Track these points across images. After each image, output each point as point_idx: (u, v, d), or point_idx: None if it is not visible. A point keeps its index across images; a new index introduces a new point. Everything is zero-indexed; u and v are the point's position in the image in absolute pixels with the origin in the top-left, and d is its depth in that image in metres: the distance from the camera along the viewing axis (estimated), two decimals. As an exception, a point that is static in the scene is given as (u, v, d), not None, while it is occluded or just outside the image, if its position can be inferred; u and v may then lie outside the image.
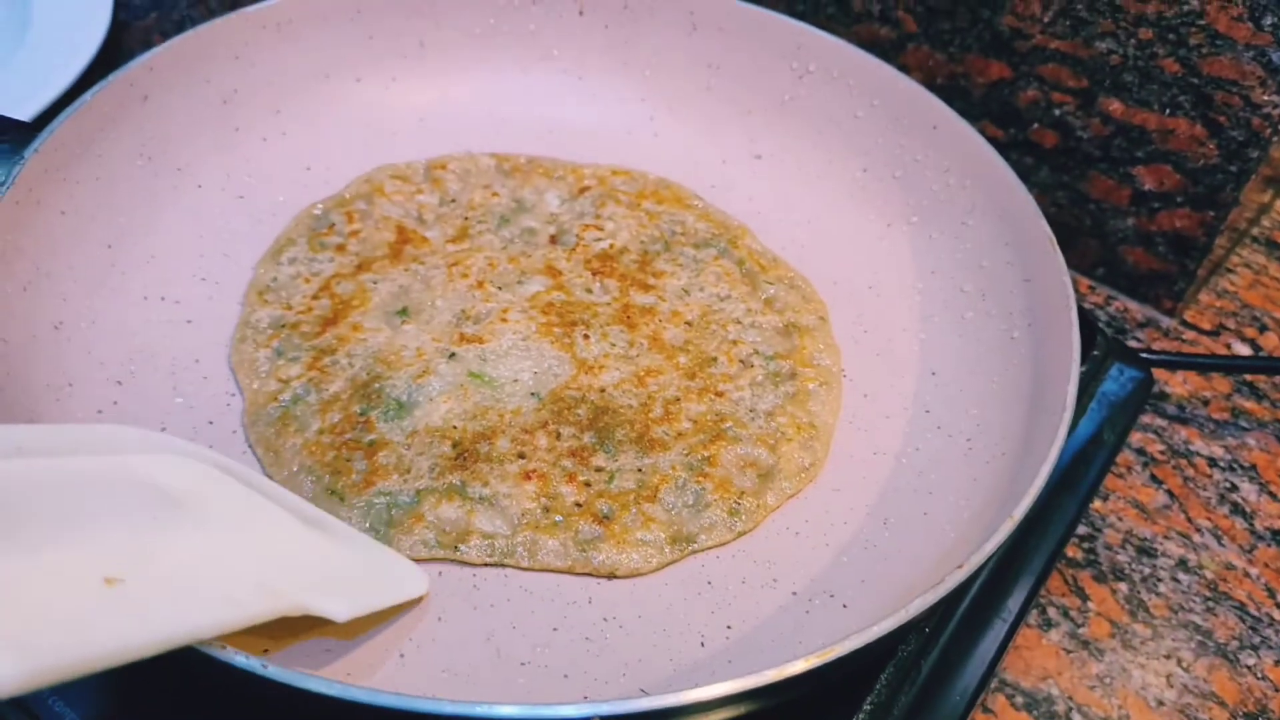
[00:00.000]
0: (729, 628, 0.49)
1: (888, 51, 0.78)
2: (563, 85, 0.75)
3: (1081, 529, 0.62)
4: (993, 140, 0.73)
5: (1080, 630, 0.58)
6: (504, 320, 0.60)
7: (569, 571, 0.52)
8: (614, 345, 0.60)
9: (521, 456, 0.55)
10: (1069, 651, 0.57)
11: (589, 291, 0.63)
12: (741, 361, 0.61)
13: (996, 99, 0.75)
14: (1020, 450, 0.53)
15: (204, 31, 0.66)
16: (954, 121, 0.66)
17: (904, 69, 0.77)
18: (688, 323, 0.62)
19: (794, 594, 0.51)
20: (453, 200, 0.68)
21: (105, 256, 0.60)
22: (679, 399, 0.58)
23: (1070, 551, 0.61)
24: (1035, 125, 0.74)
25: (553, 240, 0.66)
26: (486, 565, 0.52)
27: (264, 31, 0.68)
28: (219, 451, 0.53)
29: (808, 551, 0.53)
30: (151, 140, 0.64)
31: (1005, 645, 0.54)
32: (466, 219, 0.67)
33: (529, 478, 0.54)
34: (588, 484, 0.54)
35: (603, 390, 0.58)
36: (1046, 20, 0.70)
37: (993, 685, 0.55)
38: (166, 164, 0.64)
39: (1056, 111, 0.73)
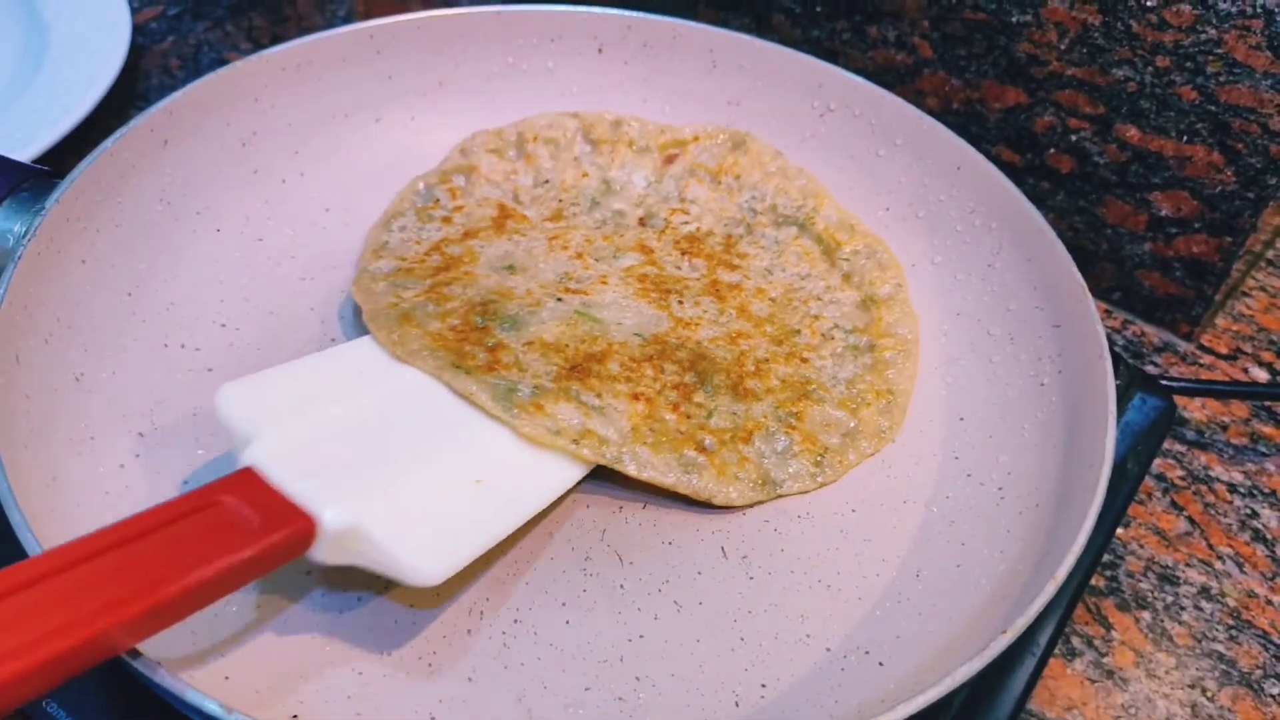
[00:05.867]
0: (764, 686, 0.49)
1: (904, 77, 0.78)
2: (582, 122, 0.74)
3: (1104, 556, 0.62)
4: (1009, 165, 0.73)
5: (1104, 660, 0.58)
6: (604, 284, 0.63)
7: (672, 489, 0.54)
8: (705, 311, 0.63)
9: (630, 380, 0.57)
10: (1093, 681, 0.57)
11: (678, 268, 0.66)
12: (823, 335, 0.63)
13: (1013, 124, 0.74)
14: (1055, 502, 0.53)
15: (224, 75, 0.65)
16: (978, 162, 0.65)
17: (920, 95, 0.77)
18: (771, 299, 0.65)
19: (828, 650, 0.50)
20: (546, 181, 0.70)
21: (125, 305, 0.60)
22: (768, 360, 0.61)
23: (1093, 580, 0.61)
24: (1051, 150, 0.74)
25: (641, 222, 0.69)
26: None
27: (283, 73, 0.68)
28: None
29: (840, 605, 0.52)
30: (171, 185, 0.63)
31: (1035, 679, 0.54)
32: (560, 201, 0.69)
33: (637, 399, 0.56)
34: (689, 416, 0.57)
35: (699, 342, 0.61)
36: (1063, 47, 0.70)
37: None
38: (186, 208, 0.64)
39: (1073, 137, 0.72)
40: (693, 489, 0.55)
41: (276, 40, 0.72)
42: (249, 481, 0.44)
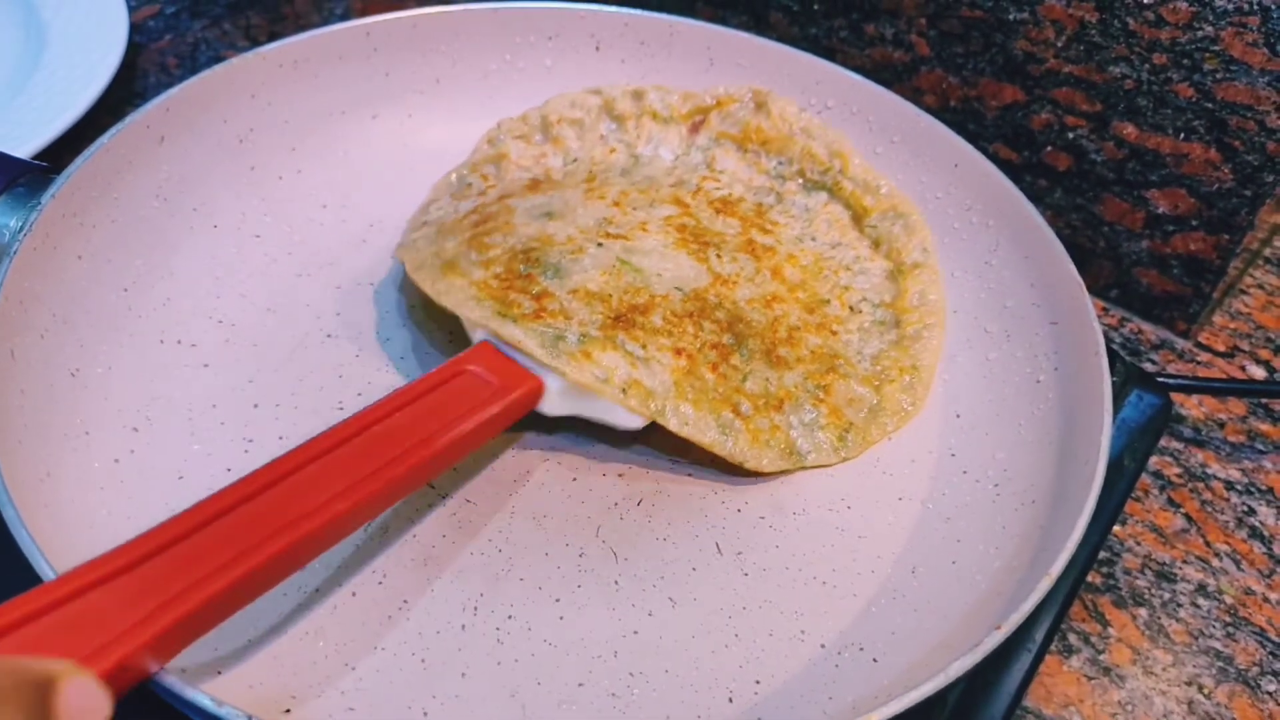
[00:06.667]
0: (758, 683, 0.49)
1: (901, 75, 0.78)
2: (579, 120, 0.74)
3: (1100, 554, 0.62)
4: (1006, 163, 0.73)
5: (1101, 657, 0.58)
6: (644, 230, 0.63)
7: (709, 448, 0.55)
8: (743, 268, 0.63)
9: (671, 334, 0.57)
10: (1090, 678, 0.57)
11: (714, 223, 0.66)
12: (851, 308, 0.64)
13: (1010, 122, 0.74)
14: (1050, 499, 0.53)
15: (220, 72, 0.65)
16: (976, 159, 0.65)
17: (917, 92, 0.77)
18: (803, 266, 0.65)
19: (822, 646, 0.50)
20: (575, 160, 0.70)
21: (121, 300, 0.60)
22: (800, 328, 0.62)
23: (1090, 577, 0.61)
24: (1049, 148, 0.74)
25: (674, 187, 0.68)
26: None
27: (280, 70, 0.68)
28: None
29: (835, 602, 0.52)
30: (168, 181, 0.63)
31: (1030, 676, 0.54)
32: (592, 172, 0.69)
33: (679, 354, 0.56)
34: (726, 377, 0.57)
35: (736, 302, 0.61)
36: (1060, 45, 0.70)
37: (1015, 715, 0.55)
38: (182, 204, 0.64)
39: (1070, 135, 0.72)
40: (727, 451, 0.55)
41: (274, 38, 0.72)
42: (487, 352, 0.54)
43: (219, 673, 0.46)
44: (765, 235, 0.66)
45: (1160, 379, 0.67)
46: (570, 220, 0.62)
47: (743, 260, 0.63)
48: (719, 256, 0.63)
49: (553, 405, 0.54)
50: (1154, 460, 0.67)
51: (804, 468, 0.57)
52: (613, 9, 0.73)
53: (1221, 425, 0.70)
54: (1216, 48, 0.65)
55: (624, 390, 0.54)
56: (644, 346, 0.55)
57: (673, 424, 0.54)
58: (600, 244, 0.61)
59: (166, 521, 0.42)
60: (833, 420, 0.59)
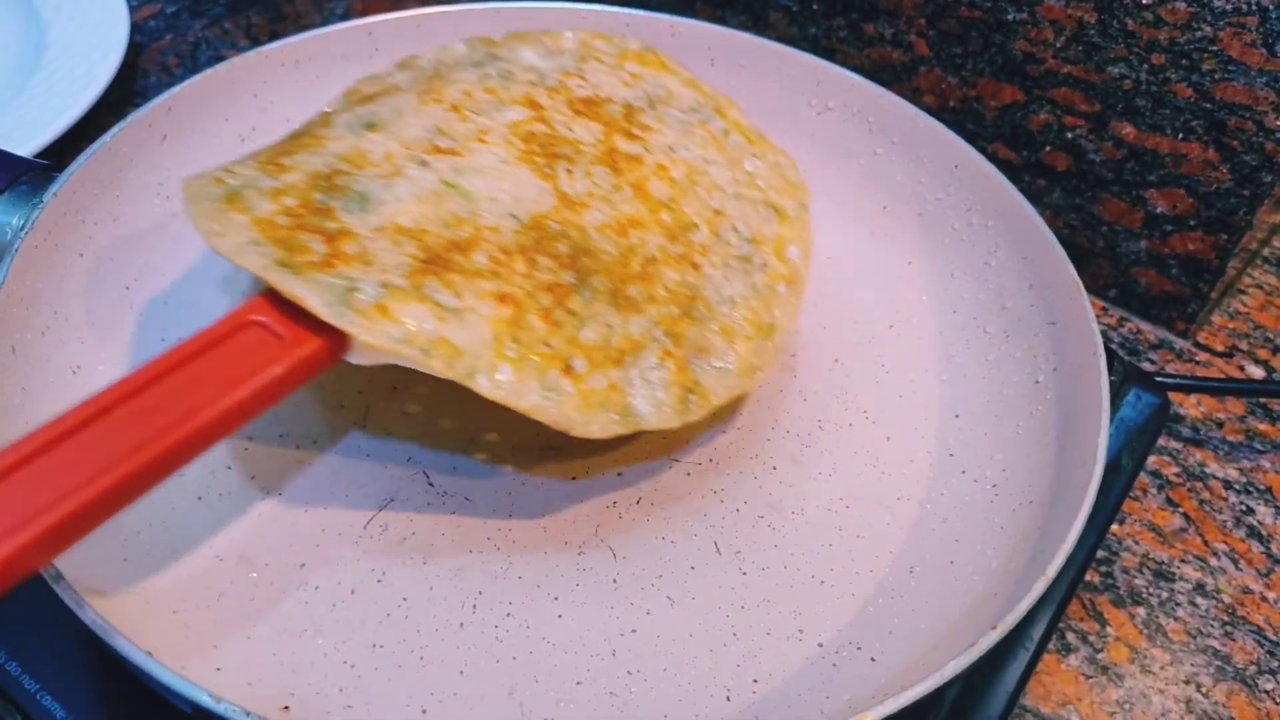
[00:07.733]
0: (755, 681, 0.49)
1: (900, 75, 0.78)
2: (577, 119, 0.73)
3: (1099, 553, 0.62)
4: (1005, 163, 0.73)
5: (1099, 655, 0.58)
6: (482, 141, 0.54)
7: (529, 413, 0.48)
8: (598, 186, 0.55)
9: (497, 276, 0.49)
10: (1088, 677, 0.57)
11: (570, 129, 0.57)
12: (718, 235, 0.57)
13: (1009, 122, 0.75)
14: (1048, 499, 0.53)
15: (222, 71, 0.66)
16: (976, 160, 0.65)
17: (917, 92, 0.77)
18: (673, 179, 0.57)
19: (820, 645, 0.50)
20: (423, 67, 0.62)
21: (123, 298, 0.60)
22: (657, 260, 0.54)
23: (1089, 576, 0.61)
24: (1048, 148, 0.74)
25: (532, 84, 0.59)
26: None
27: (282, 69, 0.68)
28: (228, 514, 0.53)
29: (833, 601, 0.52)
30: (170, 180, 0.64)
31: (1028, 675, 0.54)
32: (439, 71, 0.60)
33: (503, 301, 0.48)
34: (559, 324, 0.49)
35: (584, 229, 0.53)
36: (1059, 45, 0.70)
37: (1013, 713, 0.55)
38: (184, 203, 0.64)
39: (1069, 135, 0.72)
40: (550, 417, 0.48)
41: (275, 38, 0.72)
42: (278, 299, 0.46)
43: (218, 669, 0.46)
44: (631, 142, 0.58)
45: (1159, 378, 0.67)
46: (394, 132, 0.54)
47: (599, 175, 0.55)
48: (570, 172, 0.54)
49: (363, 357, 0.47)
50: (1152, 460, 0.67)
51: (640, 431, 0.51)
52: (613, 9, 0.74)
53: (1220, 425, 0.70)
54: (1215, 48, 0.65)
55: (425, 351, 0.46)
56: (459, 295, 0.47)
57: (484, 387, 0.47)
58: (424, 162, 0.52)
59: None
60: (678, 378, 0.51)
